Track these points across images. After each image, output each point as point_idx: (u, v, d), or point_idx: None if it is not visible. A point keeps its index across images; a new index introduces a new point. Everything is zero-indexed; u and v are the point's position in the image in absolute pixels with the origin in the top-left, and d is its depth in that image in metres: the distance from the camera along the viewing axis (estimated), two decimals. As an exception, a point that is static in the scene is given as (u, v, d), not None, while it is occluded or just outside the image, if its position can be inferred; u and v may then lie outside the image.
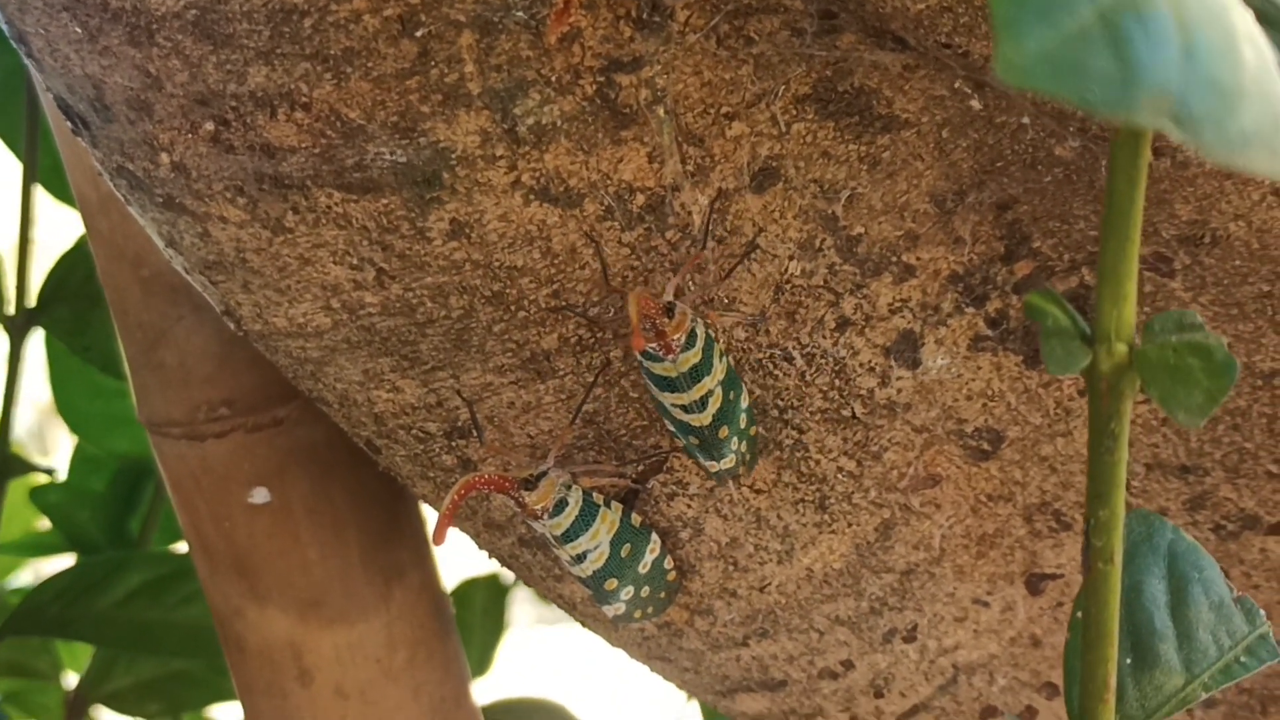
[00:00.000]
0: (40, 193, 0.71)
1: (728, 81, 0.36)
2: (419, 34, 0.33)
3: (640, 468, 0.43)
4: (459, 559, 0.62)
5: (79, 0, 0.34)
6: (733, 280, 0.39)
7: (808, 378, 0.41)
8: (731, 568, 0.45)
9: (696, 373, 0.39)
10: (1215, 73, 0.17)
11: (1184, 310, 0.25)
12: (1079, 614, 0.28)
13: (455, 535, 0.46)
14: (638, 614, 0.44)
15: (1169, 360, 0.24)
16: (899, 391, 0.42)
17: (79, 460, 0.82)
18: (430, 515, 0.55)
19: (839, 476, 0.43)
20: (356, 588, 0.53)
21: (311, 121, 0.35)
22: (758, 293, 0.40)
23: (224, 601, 0.54)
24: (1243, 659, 0.31)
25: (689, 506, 0.44)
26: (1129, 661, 0.31)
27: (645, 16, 0.35)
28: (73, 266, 0.70)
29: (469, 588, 0.89)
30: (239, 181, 0.37)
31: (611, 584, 0.43)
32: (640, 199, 0.37)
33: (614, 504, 0.42)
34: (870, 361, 0.41)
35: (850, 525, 0.44)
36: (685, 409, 0.39)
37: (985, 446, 0.43)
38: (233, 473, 0.52)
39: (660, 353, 0.38)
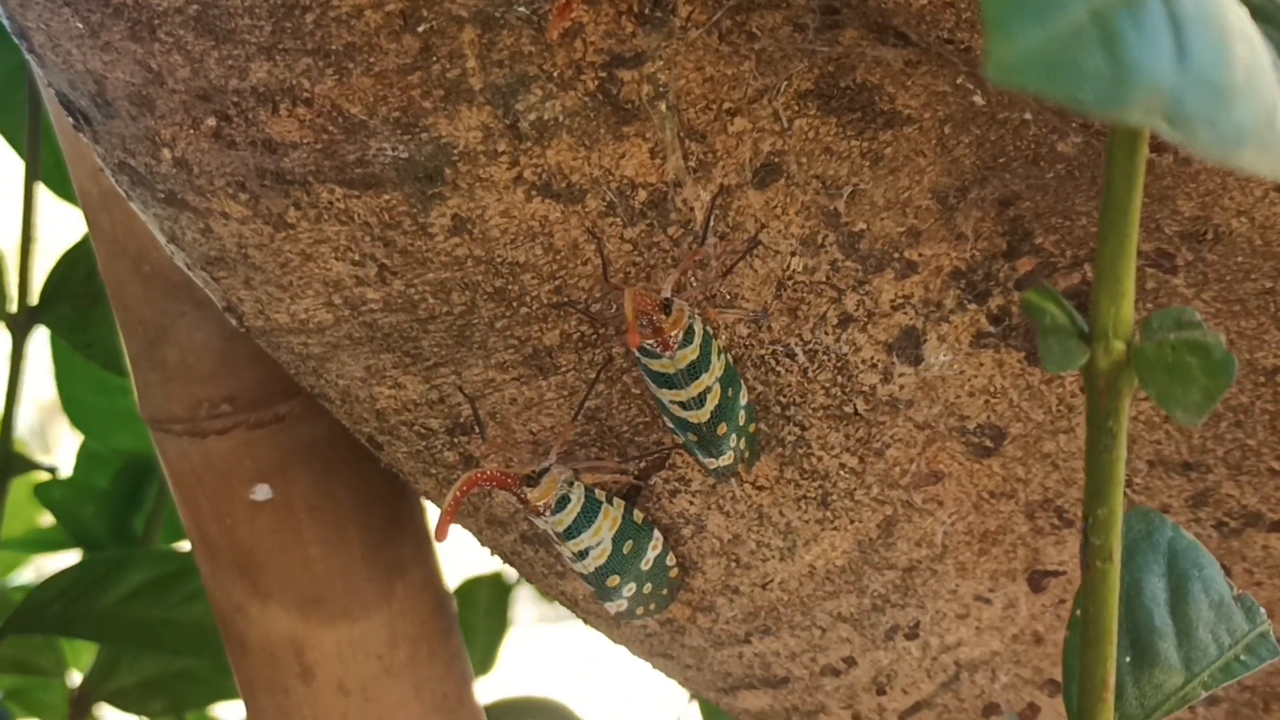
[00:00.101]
0: (42, 190, 0.71)
1: (730, 77, 0.36)
2: (421, 29, 0.33)
3: (642, 464, 0.43)
4: (461, 556, 0.62)
5: (81, -4, 0.34)
6: (735, 277, 0.39)
7: (810, 374, 0.41)
8: (734, 564, 0.45)
9: (694, 369, 0.39)
10: (1208, 71, 0.17)
11: (1183, 308, 0.25)
12: (1078, 612, 0.27)
13: (457, 532, 0.46)
14: (640, 611, 0.44)
15: (1167, 358, 0.24)
16: (901, 388, 0.42)
17: (84, 457, 0.82)
18: (432, 512, 0.55)
19: (841, 473, 0.43)
20: (358, 584, 0.53)
21: (313, 117, 0.35)
22: (760, 289, 0.40)
23: (226, 598, 0.54)
24: (1243, 657, 0.31)
25: (691, 503, 0.44)
26: (1128, 660, 0.31)
27: (647, 12, 0.35)
28: (75, 264, 0.70)
29: (472, 586, 0.89)
30: (241, 177, 0.37)
31: (614, 581, 0.43)
32: (642, 195, 0.37)
33: (616, 500, 0.42)
34: (873, 358, 0.41)
35: (852, 522, 0.44)
36: (683, 405, 0.39)
37: (987, 443, 0.43)
38: (234, 469, 0.52)
39: (657, 349, 0.38)
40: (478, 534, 0.48)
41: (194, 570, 0.59)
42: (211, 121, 0.36)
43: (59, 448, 1.47)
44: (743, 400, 0.41)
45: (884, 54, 0.36)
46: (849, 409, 0.42)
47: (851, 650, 0.48)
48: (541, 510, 0.40)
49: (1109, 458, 0.25)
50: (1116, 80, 0.16)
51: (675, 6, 0.35)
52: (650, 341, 0.38)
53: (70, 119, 0.39)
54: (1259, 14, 0.21)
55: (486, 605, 0.90)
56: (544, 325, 0.40)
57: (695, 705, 0.80)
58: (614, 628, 0.50)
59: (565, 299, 0.39)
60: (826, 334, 0.41)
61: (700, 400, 0.39)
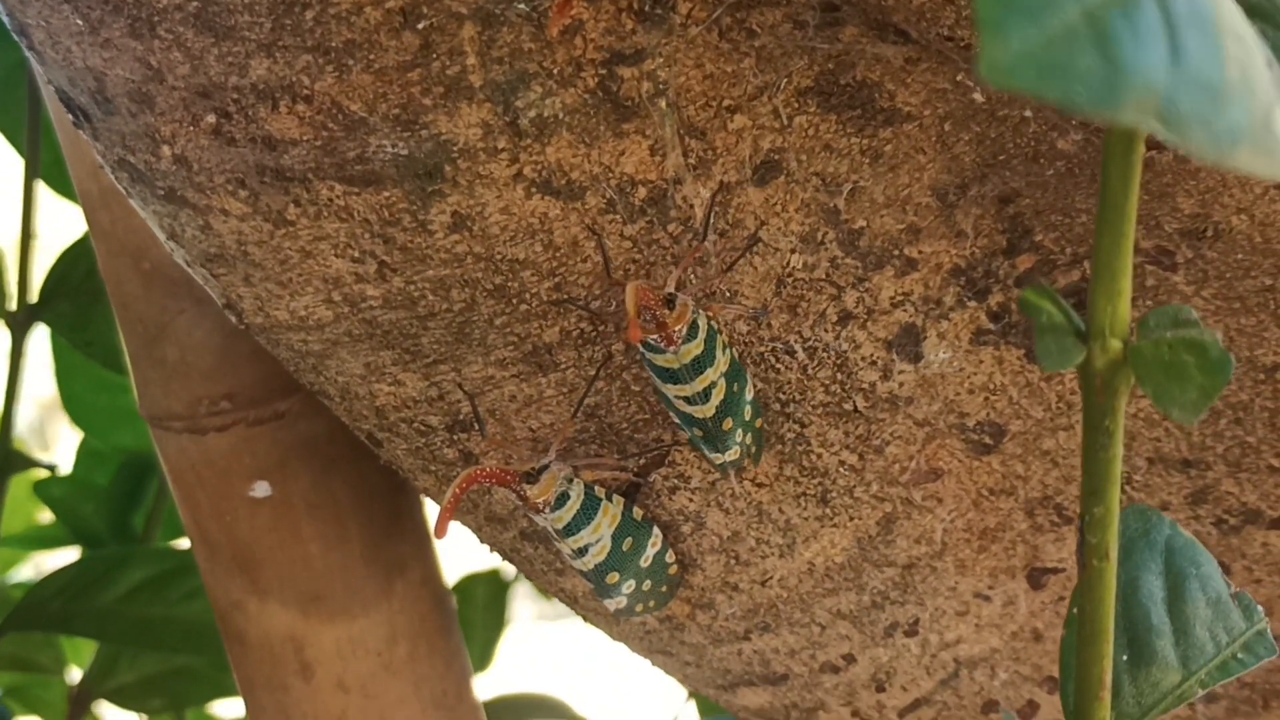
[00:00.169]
0: (42, 188, 0.71)
1: (730, 74, 0.36)
2: (421, 26, 0.33)
3: (642, 461, 0.43)
4: (460, 553, 0.62)
5: (80, -7, 0.34)
6: (734, 274, 0.39)
7: (809, 371, 0.41)
8: (733, 561, 0.45)
9: (699, 364, 0.39)
10: (1203, 70, 0.17)
11: (1179, 305, 0.25)
12: (1075, 610, 0.27)
13: (457, 529, 0.46)
14: (639, 608, 0.45)
15: (1163, 356, 0.24)
16: (901, 385, 0.42)
17: (83, 454, 0.82)
18: (432, 509, 0.55)
19: (841, 470, 0.43)
20: (357, 582, 0.53)
21: (313, 114, 0.35)
22: (760, 286, 0.40)
23: (225, 595, 0.54)
24: (1240, 655, 0.31)
25: (691, 500, 0.44)
26: (1125, 658, 0.31)
27: (647, 9, 0.35)
28: (74, 262, 0.70)
29: (471, 583, 0.89)
30: (240, 174, 0.37)
31: (613, 577, 0.43)
32: (642, 192, 0.37)
33: (616, 498, 0.42)
34: (872, 355, 0.41)
35: (852, 519, 0.44)
36: (688, 400, 0.39)
37: (987, 440, 0.43)
38: (234, 466, 0.52)
39: (661, 344, 0.38)
40: (477, 531, 0.48)
41: (193, 568, 0.59)
42: (211, 118, 0.36)
43: (58, 445, 1.47)
44: (748, 395, 0.41)
45: (884, 51, 0.36)
46: (848, 406, 0.42)
47: (851, 647, 0.48)
48: (541, 507, 0.40)
49: (1105, 456, 0.25)
50: (1110, 81, 0.16)
51: (675, 3, 0.35)
52: (654, 336, 0.38)
53: (70, 116, 0.39)
54: (1254, 12, 0.21)
55: (484, 602, 0.90)
56: (544, 322, 0.40)
57: (693, 703, 0.80)
58: (613, 625, 0.50)
59: (565, 296, 0.39)
60: (826, 331, 0.41)
61: (705, 395, 0.39)
